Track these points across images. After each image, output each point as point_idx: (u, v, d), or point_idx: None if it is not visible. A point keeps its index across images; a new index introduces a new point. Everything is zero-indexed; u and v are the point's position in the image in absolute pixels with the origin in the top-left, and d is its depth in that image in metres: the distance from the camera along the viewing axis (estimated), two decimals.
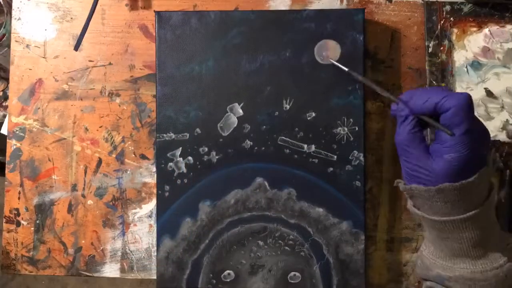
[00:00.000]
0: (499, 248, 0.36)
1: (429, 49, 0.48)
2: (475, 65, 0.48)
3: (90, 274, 0.50)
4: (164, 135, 0.46)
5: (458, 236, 0.36)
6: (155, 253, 0.48)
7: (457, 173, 0.34)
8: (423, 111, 0.36)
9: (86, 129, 0.50)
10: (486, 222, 0.36)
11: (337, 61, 0.45)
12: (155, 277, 0.47)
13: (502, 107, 0.47)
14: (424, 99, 0.36)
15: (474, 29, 0.48)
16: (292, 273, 0.46)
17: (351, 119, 0.45)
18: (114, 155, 0.50)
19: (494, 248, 0.36)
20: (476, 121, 0.35)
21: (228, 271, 0.46)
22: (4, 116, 0.56)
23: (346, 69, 0.43)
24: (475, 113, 0.36)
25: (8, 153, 0.50)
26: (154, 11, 0.47)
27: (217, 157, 0.46)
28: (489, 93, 0.47)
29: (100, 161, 0.50)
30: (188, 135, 0.46)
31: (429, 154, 0.36)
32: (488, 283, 0.35)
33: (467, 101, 0.34)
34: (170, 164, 0.46)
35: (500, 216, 0.47)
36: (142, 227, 0.49)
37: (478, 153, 0.35)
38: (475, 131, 0.35)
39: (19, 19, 0.51)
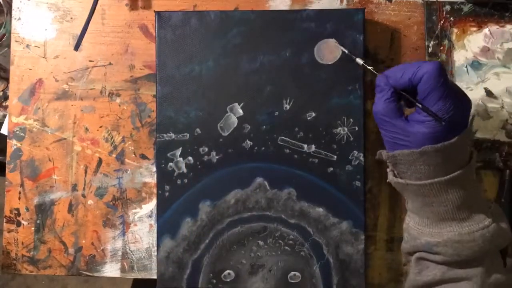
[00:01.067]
0: (483, 210, 0.37)
1: (429, 49, 0.48)
2: (475, 65, 0.48)
3: (91, 274, 0.50)
4: (164, 135, 0.46)
5: (443, 199, 0.36)
6: (156, 253, 0.48)
7: (436, 136, 0.35)
8: (401, 85, 0.37)
9: (86, 129, 0.50)
10: (469, 183, 0.37)
11: (337, 61, 0.45)
12: (155, 277, 0.47)
13: (502, 106, 0.47)
14: (401, 73, 0.37)
15: (474, 29, 0.48)
16: (292, 273, 0.46)
17: (351, 119, 0.45)
18: (114, 155, 0.50)
19: (478, 210, 0.37)
20: (452, 87, 0.36)
21: (228, 271, 0.46)
22: (4, 116, 0.56)
23: (357, 58, 0.44)
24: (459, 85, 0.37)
25: (8, 153, 0.50)
26: (154, 11, 0.47)
27: (217, 157, 0.46)
28: (489, 93, 0.47)
29: (100, 161, 0.50)
30: (188, 135, 0.46)
31: (407, 121, 0.37)
32: (475, 243, 0.36)
33: (437, 67, 0.36)
34: (170, 164, 0.46)
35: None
36: (142, 227, 0.49)
37: (458, 118, 0.36)
38: (452, 96, 0.36)
39: (19, 19, 0.51)
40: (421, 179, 0.37)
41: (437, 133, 0.35)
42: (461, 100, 0.37)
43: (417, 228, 0.38)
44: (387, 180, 0.40)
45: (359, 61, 0.42)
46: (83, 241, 0.50)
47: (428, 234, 0.37)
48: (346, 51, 0.44)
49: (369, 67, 0.41)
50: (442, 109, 0.35)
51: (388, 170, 0.40)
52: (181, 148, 0.46)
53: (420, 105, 0.36)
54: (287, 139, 0.46)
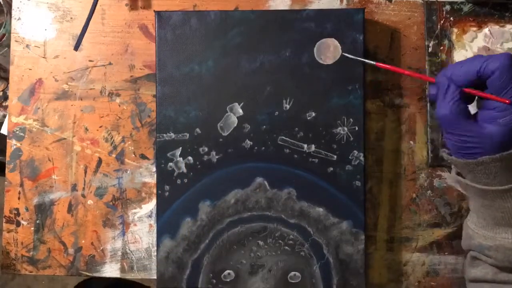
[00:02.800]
0: None
1: (429, 48, 0.48)
2: None
3: (90, 274, 0.50)
4: (164, 135, 0.46)
5: (500, 206, 0.36)
6: (155, 253, 0.48)
7: (510, 138, 0.34)
8: (465, 83, 0.35)
9: (86, 129, 0.50)
10: None
11: (337, 61, 0.45)
12: (155, 277, 0.47)
13: None
14: (464, 70, 0.35)
15: (474, 28, 0.48)
16: (292, 273, 0.46)
17: (351, 119, 0.45)
18: (114, 155, 0.50)
19: None
20: None
21: (228, 271, 0.46)
22: (4, 116, 0.56)
23: (360, 59, 0.43)
24: None
25: (8, 153, 0.50)
26: (154, 11, 0.47)
27: (217, 157, 0.46)
28: None
29: (100, 161, 0.50)
30: (188, 135, 0.46)
31: (477, 122, 0.35)
32: None
33: (510, 57, 0.34)
34: (170, 164, 0.46)
35: None
36: (142, 227, 0.49)
37: None
38: None
39: (19, 19, 0.51)
40: (480, 183, 0.36)
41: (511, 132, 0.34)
42: None
43: (473, 227, 0.38)
44: (448, 180, 0.39)
45: (371, 62, 0.42)
46: (83, 241, 0.50)
47: (482, 236, 0.37)
48: (351, 56, 0.43)
49: (418, 75, 0.39)
50: None
51: (452, 166, 0.39)
52: (181, 148, 0.46)
53: (501, 99, 0.34)
54: (287, 139, 0.46)
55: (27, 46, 0.50)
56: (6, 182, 0.50)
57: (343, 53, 0.44)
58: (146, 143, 0.50)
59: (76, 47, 0.50)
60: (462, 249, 0.41)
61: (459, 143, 0.36)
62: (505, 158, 0.34)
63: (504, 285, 0.36)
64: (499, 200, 0.36)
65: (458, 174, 0.39)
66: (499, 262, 0.36)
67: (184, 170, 0.46)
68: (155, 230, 0.47)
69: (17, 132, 0.50)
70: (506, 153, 0.34)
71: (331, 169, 0.45)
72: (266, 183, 0.46)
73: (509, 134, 0.34)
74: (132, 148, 0.50)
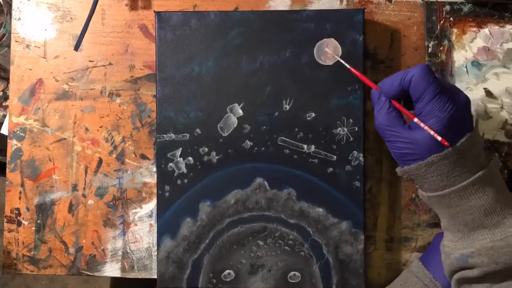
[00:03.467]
0: None
1: (429, 49, 0.48)
2: (475, 65, 0.48)
3: (91, 274, 0.50)
4: (164, 135, 0.46)
5: (466, 207, 0.35)
6: (156, 253, 0.48)
7: (443, 139, 0.34)
8: (393, 93, 0.37)
9: (87, 129, 0.50)
10: (492, 187, 0.35)
11: (337, 61, 0.45)
12: (155, 277, 0.48)
13: (502, 107, 0.47)
14: (390, 81, 0.37)
15: (474, 29, 0.48)
16: (292, 272, 0.46)
17: (350, 120, 0.45)
18: (114, 155, 0.50)
19: (509, 214, 0.35)
20: (444, 84, 0.36)
21: (228, 271, 0.46)
22: (5, 116, 0.56)
23: (348, 66, 0.43)
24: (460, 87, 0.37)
25: (8, 153, 0.50)
26: (154, 11, 0.47)
27: (217, 157, 0.46)
28: (488, 93, 0.47)
29: (100, 161, 0.50)
30: (188, 135, 0.46)
31: (409, 129, 0.36)
32: (511, 249, 0.33)
33: (424, 66, 0.35)
34: (170, 164, 0.46)
35: None
36: (142, 226, 0.50)
37: (458, 116, 0.35)
38: (446, 93, 0.35)
39: (19, 19, 0.51)
40: (438, 189, 0.36)
41: (442, 133, 0.34)
42: (457, 95, 0.36)
43: (450, 244, 0.37)
44: (419, 194, 0.39)
45: (354, 71, 0.42)
46: (84, 241, 0.50)
47: (461, 247, 0.36)
48: (342, 61, 0.43)
49: (367, 80, 0.41)
50: (439, 106, 0.34)
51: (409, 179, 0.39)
52: (181, 148, 0.46)
53: (415, 118, 0.36)
54: (287, 139, 0.46)
55: (27, 46, 0.50)
56: (7, 182, 0.50)
57: (339, 59, 0.44)
58: (146, 143, 0.50)
59: (76, 47, 0.50)
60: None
61: (397, 150, 0.37)
62: (452, 155, 0.34)
63: None
64: (463, 202, 0.35)
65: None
66: (485, 266, 0.34)
67: (184, 170, 0.46)
68: (156, 230, 0.47)
69: (18, 132, 0.50)
70: (451, 148, 0.34)
71: (331, 169, 0.46)
72: (266, 183, 0.46)
73: (433, 137, 0.35)
74: (133, 148, 0.50)
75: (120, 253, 0.50)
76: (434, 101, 0.35)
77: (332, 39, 0.45)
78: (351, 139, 0.45)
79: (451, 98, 0.35)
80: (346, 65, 0.42)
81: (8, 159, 0.50)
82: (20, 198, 0.50)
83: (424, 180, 0.36)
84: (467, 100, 0.36)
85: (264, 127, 0.46)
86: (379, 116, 0.38)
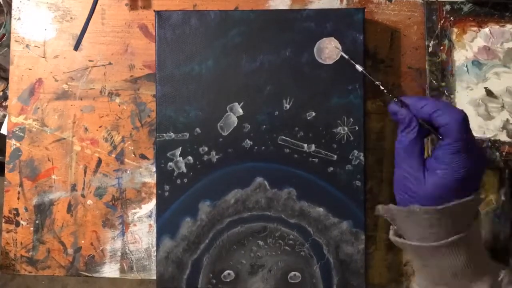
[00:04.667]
0: (485, 282, 0.33)
1: (429, 48, 0.48)
2: (475, 64, 0.48)
3: (90, 275, 0.49)
4: (164, 134, 0.46)
5: (436, 264, 0.34)
6: (155, 253, 0.48)
7: (445, 192, 0.33)
8: (421, 116, 0.35)
9: (86, 129, 0.50)
10: (467, 251, 0.34)
11: (337, 61, 0.45)
12: (155, 277, 0.47)
13: (503, 106, 0.47)
14: (422, 104, 0.35)
15: (474, 28, 0.48)
16: (292, 273, 0.46)
17: (351, 119, 0.45)
18: (113, 155, 0.50)
19: (479, 280, 0.33)
20: (473, 140, 0.34)
21: (228, 271, 0.46)
22: (4, 116, 0.56)
23: (354, 63, 0.43)
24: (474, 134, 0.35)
25: (7, 153, 0.50)
26: (154, 10, 0.47)
27: (217, 156, 0.46)
28: (489, 93, 0.47)
29: (99, 161, 0.50)
30: (188, 134, 0.46)
31: (423, 166, 0.35)
32: None
33: (463, 117, 0.33)
34: (170, 163, 0.46)
35: (500, 216, 0.47)
36: (141, 227, 0.49)
37: (471, 175, 0.33)
38: (471, 151, 0.33)
39: (19, 19, 0.51)
40: (413, 238, 0.35)
41: (448, 187, 0.33)
42: (479, 157, 0.34)
43: None
44: (389, 237, 0.38)
45: (359, 68, 0.41)
46: (82, 242, 0.50)
47: None
48: (346, 57, 0.43)
49: (377, 82, 0.39)
50: (459, 162, 0.33)
51: (391, 226, 0.38)
52: (180, 147, 0.46)
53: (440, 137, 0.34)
54: (287, 138, 0.46)
55: (27, 46, 0.50)
56: (5, 182, 0.50)
57: (341, 53, 0.44)
58: (146, 143, 0.49)
59: (76, 47, 0.50)
60: None
61: (402, 178, 0.35)
62: (437, 213, 0.33)
63: None
64: (434, 258, 0.34)
65: (397, 235, 0.37)
66: None
67: (184, 170, 0.46)
68: (155, 230, 0.47)
69: (17, 132, 0.50)
70: (439, 207, 0.33)
71: (331, 169, 0.45)
72: (266, 183, 0.46)
73: (442, 188, 0.33)
74: (132, 148, 0.49)
75: (119, 253, 0.49)
76: (458, 155, 0.33)
77: (333, 38, 0.45)
78: (352, 138, 0.45)
79: (475, 158, 0.34)
80: (359, 67, 0.41)
81: (7, 159, 0.50)
82: (18, 198, 0.50)
83: (404, 224, 0.36)
84: (485, 164, 0.35)
85: (264, 126, 0.46)
86: (404, 140, 0.36)
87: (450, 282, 0.34)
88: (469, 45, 0.48)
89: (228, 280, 0.46)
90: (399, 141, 0.36)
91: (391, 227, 0.38)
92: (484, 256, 0.35)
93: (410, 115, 0.36)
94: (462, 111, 0.34)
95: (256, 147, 0.46)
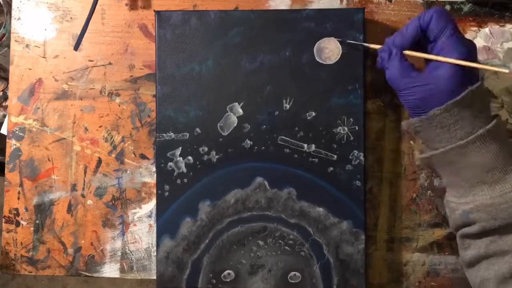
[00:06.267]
0: None
1: None
2: None
3: (90, 274, 0.49)
4: (164, 134, 0.46)
5: (467, 164, 0.35)
6: (155, 253, 0.48)
7: (456, 79, 0.35)
8: (408, 40, 0.38)
9: (86, 129, 0.50)
10: (493, 145, 0.34)
11: (337, 61, 0.45)
12: (155, 277, 0.47)
13: (502, 106, 0.47)
14: (401, 32, 0.38)
15: (474, 28, 0.48)
16: (292, 273, 0.46)
17: (351, 119, 0.45)
18: (113, 155, 0.50)
19: None
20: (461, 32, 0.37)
21: (228, 271, 0.46)
22: (4, 116, 0.56)
23: (363, 44, 0.44)
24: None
25: (7, 153, 0.50)
26: (154, 10, 0.47)
27: (217, 156, 0.46)
28: (489, 92, 0.47)
29: (99, 161, 0.50)
30: (188, 134, 0.46)
31: (424, 73, 0.37)
32: (509, 205, 0.34)
33: (442, 8, 0.36)
34: (170, 163, 0.46)
35: None
36: (141, 227, 0.49)
37: (473, 56, 0.36)
38: (462, 36, 0.36)
39: (19, 19, 0.51)
40: (441, 144, 0.36)
41: (460, 74, 0.34)
42: (471, 44, 0.36)
43: (453, 200, 0.37)
44: (416, 159, 0.39)
45: (365, 45, 0.43)
46: (82, 241, 0.50)
47: (463, 204, 0.36)
48: (350, 41, 0.44)
49: (372, 46, 0.42)
50: (461, 41, 0.35)
51: (415, 152, 0.39)
52: (180, 147, 0.46)
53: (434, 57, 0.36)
54: (287, 138, 0.46)
55: (27, 46, 0.50)
56: (5, 182, 0.50)
57: (348, 41, 0.44)
58: (146, 143, 0.49)
59: (76, 47, 0.50)
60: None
61: (413, 97, 0.37)
62: (453, 107, 0.34)
63: (499, 257, 0.35)
64: (464, 159, 0.35)
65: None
66: (485, 223, 0.35)
67: (184, 170, 0.46)
68: (155, 230, 0.47)
69: (17, 132, 0.50)
70: (453, 100, 0.34)
71: (331, 169, 0.45)
72: (266, 183, 0.46)
73: (454, 76, 0.35)
74: (132, 148, 0.49)
75: (119, 253, 0.49)
76: (456, 36, 0.35)
77: (333, 38, 0.45)
78: (352, 138, 0.45)
79: (467, 43, 0.36)
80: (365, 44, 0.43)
81: (7, 159, 0.50)
82: (18, 198, 0.50)
83: (429, 134, 0.36)
84: (476, 48, 0.37)
85: (264, 126, 0.46)
86: (391, 67, 0.38)
87: (485, 179, 0.35)
88: None
89: (228, 280, 0.46)
90: (387, 72, 0.38)
91: (415, 152, 0.40)
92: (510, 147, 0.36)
93: (388, 45, 0.39)
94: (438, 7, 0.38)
95: (256, 147, 0.46)
